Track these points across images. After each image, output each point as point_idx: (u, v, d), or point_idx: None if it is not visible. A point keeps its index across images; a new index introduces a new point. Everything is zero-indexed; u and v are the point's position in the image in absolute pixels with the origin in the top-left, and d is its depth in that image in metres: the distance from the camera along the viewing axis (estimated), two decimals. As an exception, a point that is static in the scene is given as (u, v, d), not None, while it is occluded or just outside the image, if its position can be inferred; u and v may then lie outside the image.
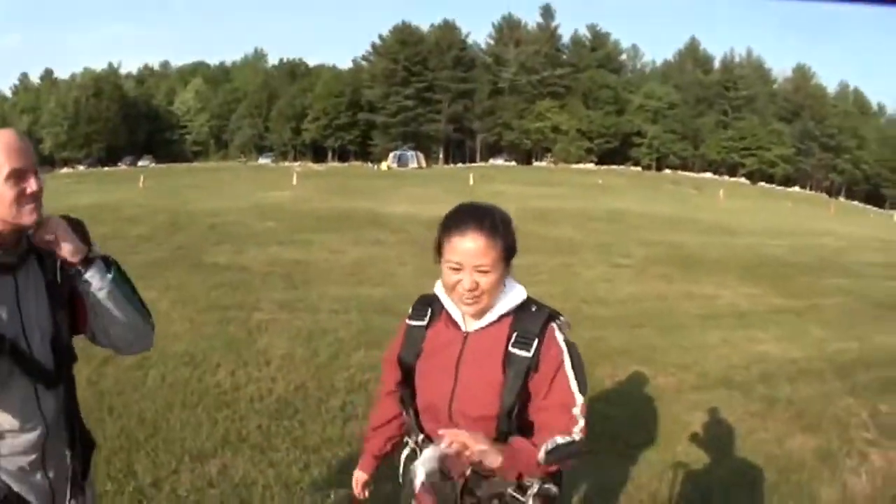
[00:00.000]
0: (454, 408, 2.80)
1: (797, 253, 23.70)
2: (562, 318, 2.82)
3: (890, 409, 8.53)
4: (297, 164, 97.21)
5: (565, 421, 2.67)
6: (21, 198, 2.56)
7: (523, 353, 2.70)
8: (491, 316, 2.80)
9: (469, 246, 2.71)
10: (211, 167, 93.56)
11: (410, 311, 3.06)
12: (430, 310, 2.97)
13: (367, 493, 3.43)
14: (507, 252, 2.76)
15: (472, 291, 2.72)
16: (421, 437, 2.97)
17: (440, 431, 2.51)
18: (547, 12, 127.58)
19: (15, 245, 2.63)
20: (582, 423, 2.68)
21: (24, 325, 2.60)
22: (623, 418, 7.44)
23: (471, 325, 2.84)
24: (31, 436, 2.64)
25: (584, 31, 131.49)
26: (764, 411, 8.24)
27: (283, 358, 9.05)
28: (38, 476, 2.70)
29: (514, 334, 2.74)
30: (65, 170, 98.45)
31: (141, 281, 10.55)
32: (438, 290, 2.94)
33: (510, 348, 2.72)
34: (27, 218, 2.59)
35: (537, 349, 2.71)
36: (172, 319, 10.69)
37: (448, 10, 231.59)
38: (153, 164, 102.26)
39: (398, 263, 16.52)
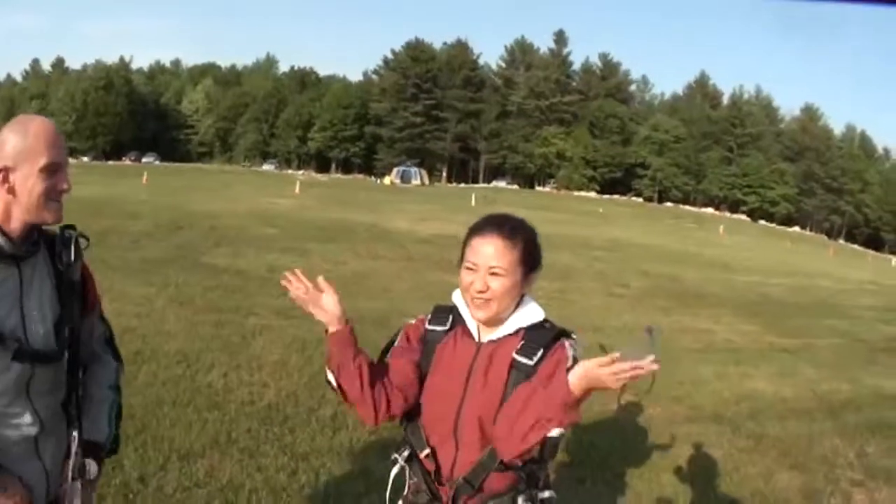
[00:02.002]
0: (460, 420, 2.78)
1: (794, 293, 23.75)
2: (575, 337, 2.81)
3: (877, 451, 8.55)
4: (300, 172, 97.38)
5: (555, 410, 2.56)
6: (51, 193, 2.55)
7: (526, 361, 2.70)
8: (506, 329, 2.80)
9: (485, 247, 2.74)
10: (215, 169, 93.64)
11: (430, 316, 3.03)
12: (450, 317, 2.95)
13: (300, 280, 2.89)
14: (526, 260, 2.77)
15: (481, 293, 2.73)
16: (407, 453, 2.92)
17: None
18: (560, 38, 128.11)
19: (25, 237, 2.59)
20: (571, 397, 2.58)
21: (25, 316, 2.56)
22: (611, 447, 7.43)
23: (484, 337, 2.84)
24: (24, 426, 2.62)
25: (595, 59, 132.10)
26: (752, 447, 8.24)
27: (277, 364, 9.03)
28: (33, 462, 2.66)
29: (522, 342, 2.74)
30: (69, 159, 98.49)
31: (139, 276, 10.64)
32: (457, 299, 2.93)
33: (514, 354, 2.72)
34: (51, 216, 2.59)
35: (540, 359, 2.70)
36: (167, 318, 10.70)
37: (462, 30, 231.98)
38: (157, 162, 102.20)
39: (396, 279, 16.57)
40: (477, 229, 2.83)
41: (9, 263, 2.55)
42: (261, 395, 7.87)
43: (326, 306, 2.86)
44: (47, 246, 2.70)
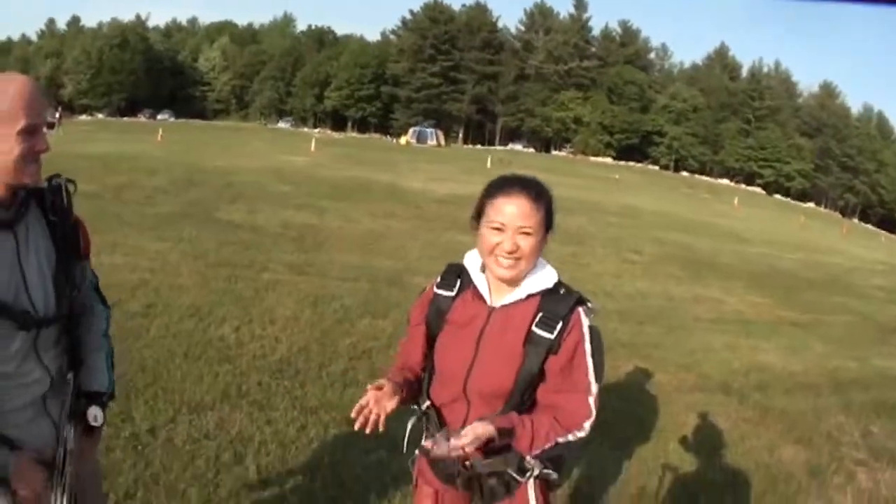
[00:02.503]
0: (470, 381, 2.80)
1: (807, 268, 23.65)
2: (590, 303, 2.81)
3: (881, 431, 8.55)
4: (316, 130, 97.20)
5: (579, 407, 2.69)
6: (28, 155, 2.50)
7: (546, 334, 2.69)
8: (518, 293, 2.81)
9: (514, 207, 2.72)
10: (230, 126, 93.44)
11: (438, 278, 3.05)
12: (459, 281, 2.97)
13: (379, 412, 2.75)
14: (548, 221, 2.77)
15: (512, 253, 2.72)
16: (427, 404, 2.97)
17: (463, 432, 2.55)
18: (580, 3, 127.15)
19: (12, 200, 2.57)
20: (594, 416, 2.71)
21: (27, 280, 2.58)
22: (619, 412, 7.45)
23: (497, 301, 2.84)
24: (33, 387, 2.67)
25: (614, 25, 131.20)
26: (758, 419, 8.25)
27: (289, 319, 9.09)
28: (43, 419, 2.73)
29: (540, 314, 2.73)
30: (83, 117, 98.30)
31: (153, 231, 10.74)
32: (468, 261, 2.94)
33: (533, 328, 2.71)
34: (29, 178, 2.55)
35: (560, 331, 2.70)
36: (181, 272, 10.75)
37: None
38: (172, 119, 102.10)
39: (410, 238, 16.58)
40: (500, 188, 2.80)
41: (2, 230, 2.54)
42: (272, 349, 7.92)
43: (389, 401, 2.80)
44: (36, 200, 2.68)
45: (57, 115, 53.86)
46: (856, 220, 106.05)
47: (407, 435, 3.03)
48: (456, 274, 2.99)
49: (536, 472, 2.80)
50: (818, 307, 16.57)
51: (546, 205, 2.77)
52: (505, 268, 2.75)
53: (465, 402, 2.82)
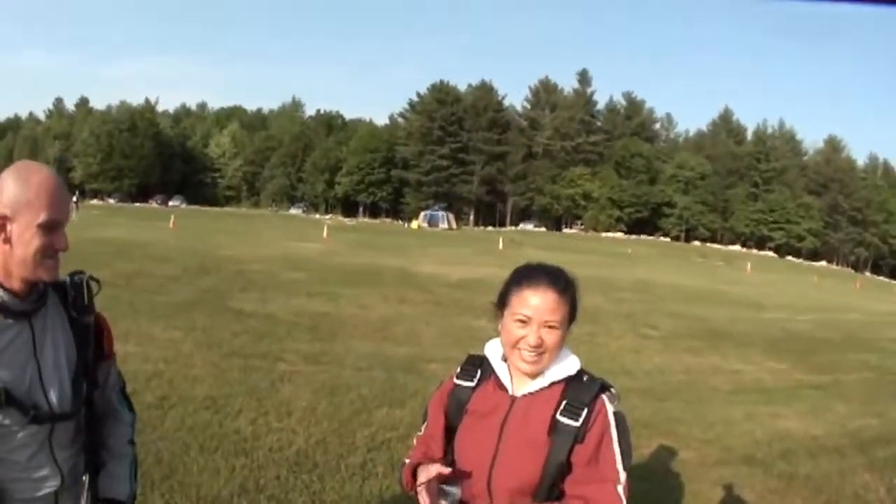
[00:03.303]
0: (494, 475, 2.69)
1: (822, 328, 23.54)
2: (613, 389, 2.75)
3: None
4: (328, 216, 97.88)
5: (610, 500, 2.58)
6: (47, 250, 2.46)
7: (571, 423, 2.62)
8: (541, 381, 2.73)
9: (540, 301, 2.67)
10: (242, 213, 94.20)
11: (458, 369, 2.97)
12: (479, 371, 2.89)
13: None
14: (573, 313, 2.73)
15: (537, 348, 2.65)
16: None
17: None
18: (584, 77, 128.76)
19: (29, 291, 2.52)
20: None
21: (42, 373, 2.52)
22: (644, 494, 7.33)
23: (519, 390, 2.76)
24: (46, 486, 2.59)
25: (619, 98, 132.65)
26: (784, 488, 8.15)
27: (305, 410, 8.99)
28: None
29: (564, 402, 2.67)
30: (94, 201, 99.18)
31: (166, 320, 10.72)
32: (489, 350, 2.88)
33: (558, 416, 2.64)
34: (46, 274, 2.50)
35: (586, 419, 2.62)
36: (194, 363, 10.70)
37: (486, 72, 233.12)
38: (184, 205, 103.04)
39: (424, 323, 16.53)
40: (527, 279, 2.73)
41: (19, 320, 2.49)
42: (289, 442, 7.83)
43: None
44: (58, 294, 2.65)
45: (74, 199, 54.22)
46: (868, 274, 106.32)
47: None
48: (476, 365, 2.92)
49: None
50: (836, 367, 16.48)
51: (572, 296, 2.73)
52: (528, 362, 2.69)
53: (488, 498, 2.71)
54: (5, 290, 2.46)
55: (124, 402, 3.00)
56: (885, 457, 9.53)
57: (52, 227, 2.45)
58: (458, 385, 2.92)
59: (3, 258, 2.45)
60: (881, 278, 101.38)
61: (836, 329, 23.74)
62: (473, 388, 2.88)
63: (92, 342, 2.71)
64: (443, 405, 2.96)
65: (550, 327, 2.65)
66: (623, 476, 2.61)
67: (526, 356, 2.68)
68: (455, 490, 2.66)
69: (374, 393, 10.08)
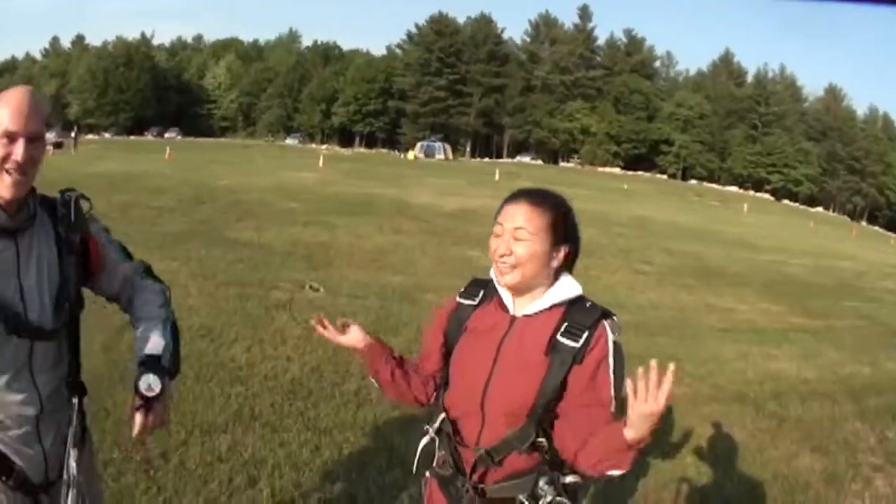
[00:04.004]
0: (488, 394, 2.71)
1: (817, 274, 23.63)
2: (615, 318, 2.73)
3: (897, 435, 8.53)
4: (324, 146, 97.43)
5: (609, 421, 2.53)
6: (4, 161, 2.44)
7: (571, 343, 2.61)
8: (542, 303, 2.73)
9: (512, 209, 2.71)
10: (238, 144, 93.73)
11: (462, 289, 3.01)
12: (482, 291, 2.92)
13: (328, 325, 3.07)
14: (555, 229, 2.71)
15: (504, 257, 2.69)
16: (441, 417, 2.87)
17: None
18: (584, 13, 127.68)
19: (18, 209, 2.53)
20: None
21: (23, 290, 2.52)
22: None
23: (520, 310, 2.77)
24: (24, 409, 2.58)
25: (619, 35, 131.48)
26: (774, 429, 8.22)
27: (300, 338, 9.02)
28: (33, 446, 2.64)
29: (565, 324, 2.66)
30: (90, 136, 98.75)
31: (161, 251, 10.71)
32: (493, 273, 2.87)
33: (558, 336, 2.64)
34: (5, 190, 2.47)
35: (586, 341, 2.61)
36: (190, 292, 10.72)
37: (485, 4, 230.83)
38: (180, 137, 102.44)
39: (419, 253, 16.57)
40: (510, 197, 2.78)
41: (3, 237, 2.51)
42: (284, 370, 7.89)
43: (353, 335, 3.07)
44: (48, 212, 2.65)
45: (72, 134, 54.02)
46: (864, 224, 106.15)
47: (418, 455, 2.96)
48: (481, 286, 2.95)
49: (549, 498, 2.69)
50: (829, 313, 16.57)
51: (553, 215, 2.72)
52: (501, 273, 2.73)
53: (480, 416, 2.73)
54: None
55: (148, 278, 3.01)
56: (876, 406, 9.61)
57: (10, 138, 2.43)
58: (461, 303, 2.95)
59: None
60: (877, 229, 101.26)
61: (830, 275, 23.84)
62: (475, 307, 2.91)
63: (76, 261, 2.70)
64: (442, 325, 2.99)
65: (519, 239, 2.67)
66: (614, 404, 2.61)
67: (500, 267, 2.72)
68: None
69: (368, 321, 10.04)
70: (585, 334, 2.62)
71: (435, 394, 3.01)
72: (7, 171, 2.44)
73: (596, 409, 2.58)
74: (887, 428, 8.74)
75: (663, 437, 7.37)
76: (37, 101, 2.53)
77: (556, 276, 2.79)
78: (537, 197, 2.74)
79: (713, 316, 14.25)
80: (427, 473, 2.95)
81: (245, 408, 6.67)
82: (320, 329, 3.06)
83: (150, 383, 2.66)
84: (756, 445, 7.60)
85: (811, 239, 42.92)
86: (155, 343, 2.80)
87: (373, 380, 3.08)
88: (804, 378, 10.64)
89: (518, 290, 2.75)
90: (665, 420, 7.92)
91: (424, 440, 2.94)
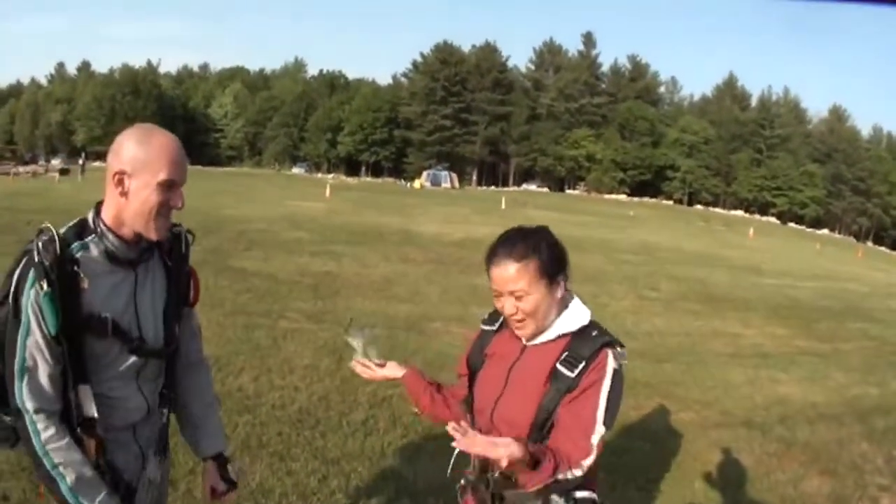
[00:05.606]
0: (496, 410, 2.90)
1: (823, 296, 23.53)
2: (620, 348, 2.82)
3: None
4: (330, 175, 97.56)
5: (578, 445, 2.65)
6: (163, 208, 2.67)
7: (567, 373, 2.72)
8: (549, 334, 2.85)
9: (500, 273, 2.81)
10: (245, 173, 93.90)
11: (486, 316, 3.19)
12: (501, 317, 3.02)
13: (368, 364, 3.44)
14: (545, 271, 2.79)
15: (513, 316, 2.81)
16: None
17: (450, 426, 2.54)
18: (588, 40, 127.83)
19: (137, 241, 2.73)
20: (592, 457, 2.67)
21: (139, 314, 2.75)
22: (644, 452, 7.43)
23: (530, 340, 2.90)
24: (132, 415, 2.83)
25: (623, 61, 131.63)
26: (782, 453, 8.21)
27: (307, 368, 9.06)
28: (132, 447, 2.88)
29: (566, 354, 2.76)
30: (97, 163, 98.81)
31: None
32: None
33: (557, 365, 2.75)
34: (155, 233, 2.70)
35: (582, 371, 2.71)
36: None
37: (490, 33, 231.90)
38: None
39: (426, 282, 16.58)
40: (490, 255, 2.88)
41: (125, 267, 2.72)
42: (292, 399, 7.90)
43: (392, 368, 3.39)
44: (159, 245, 2.86)
45: (80, 162, 54.26)
46: (870, 244, 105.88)
47: (451, 464, 3.04)
48: (499, 312, 3.02)
49: None
50: (836, 335, 16.50)
51: (537, 260, 2.79)
52: (517, 329, 2.88)
53: (497, 432, 2.81)
54: (117, 237, 2.68)
55: (202, 354, 3.27)
56: (883, 427, 9.59)
57: (169, 186, 2.67)
58: (483, 330, 3.16)
59: (117, 209, 2.66)
60: (883, 249, 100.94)
61: (836, 297, 23.73)
62: (495, 332, 3.09)
63: (183, 290, 2.98)
64: (468, 352, 3.18)
65: (518, 297, 2.79)
66: (600, 429, 2.67)
67: (513, 324, 2.87)
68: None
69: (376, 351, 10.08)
70: (582, 364, 2.73)
71: (468, 414, 3.13)
72: (162, 216, 2.70)
73: (571, 431, 2.69)
74: (894, 447, 8.73)
75: (671, 463, 7.39)
76: (182, 148, 2.80)
77: (563, 302, 2.89)
78: (515, 247, 2.82)
79: (720, 341, 14.22)
80: (462, 481, 3.08)
81: (253, 437, 6.69)
82: (359, 369, 3.36)
83: (236, 471, 3.21)
84: (764, 469, 7.60)
85: (817, 261, 42.80)
86: (220, 443, 3.27)
87: (415, 407, 3.35)
88: (812, 401, 10.61)
89: (531, 337, 2.89)
90: (674, 446, 7.96)
91: (458, 449, 3.02)
